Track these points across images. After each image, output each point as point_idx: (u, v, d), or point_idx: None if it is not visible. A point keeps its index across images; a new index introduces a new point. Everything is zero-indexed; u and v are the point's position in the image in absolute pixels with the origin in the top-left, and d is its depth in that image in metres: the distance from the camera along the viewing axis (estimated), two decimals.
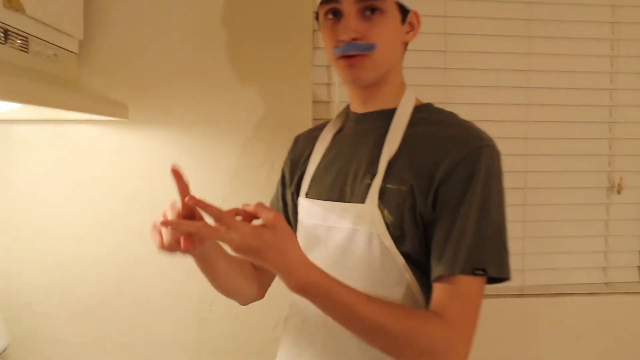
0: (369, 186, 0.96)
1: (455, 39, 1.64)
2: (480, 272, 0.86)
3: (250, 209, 0.82)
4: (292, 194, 1.15)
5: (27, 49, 1.12)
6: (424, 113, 1.02)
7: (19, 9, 1.04)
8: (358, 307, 0.81)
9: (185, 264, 1.52)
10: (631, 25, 1.70)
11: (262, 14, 1.52)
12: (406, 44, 1.05)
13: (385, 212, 0.93)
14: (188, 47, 1.51)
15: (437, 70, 1.64)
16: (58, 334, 1.50)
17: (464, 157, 0.90)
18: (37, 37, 1.16)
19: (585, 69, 1.70)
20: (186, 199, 0.79)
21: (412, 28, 1.03)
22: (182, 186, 0.84)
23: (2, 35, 1.02)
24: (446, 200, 0.90)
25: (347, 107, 1.14)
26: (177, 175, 0.83)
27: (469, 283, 0.87)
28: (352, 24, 0.94)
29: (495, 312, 1.64)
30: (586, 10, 1.68)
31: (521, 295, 1.69)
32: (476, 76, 1.66)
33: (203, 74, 1.51)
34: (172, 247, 0.84)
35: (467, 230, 0.88)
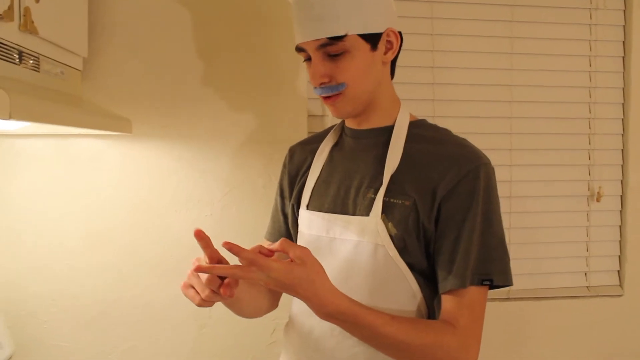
0: (372, 200, 1.00)
1: (442, 55, 1.72)
2: (488, 282, 0.94)
3: (276, 247, 0.87)
4: (293, 206, 1.17)
5: (39, 68, 1.18)
6: (419, 129, 1.06)
7: (33, 31, 1.09)
8: (382, 328, 0.88)
9: (184, 273, 1.57)
10: (608, 43, 1.80)
11: (258, 33, 1.59)
12: (393, 61, 1.07)
13: (390, 224, 0.98)
14: (188, 64, 1.57)
15: (426, 86, 1.72)
16: (62, 342, 1.54)
17: (464, 175, 0.96)
18: (47, 57, 1.22)
19: (565, 83, 1.78)
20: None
21: (391, 46, 1.03)
22: (206, 243, 0.88)
23: (16, 56, 1.07)
24: (450, 216, 0.96)
25: (343, 121, 1.17)
26: (200, 235, 0.87)
27: (476, 292, 0.94)
28: (319, 70, 0.98)
29: None
30: (565, 29, 1.77)
31: (507, 299, 1.76)
32: (463, 91, 1.74)
33: (202, 90, 1.57)
34: (210, 297, 0.87)
35: (473, 244, 0.95)
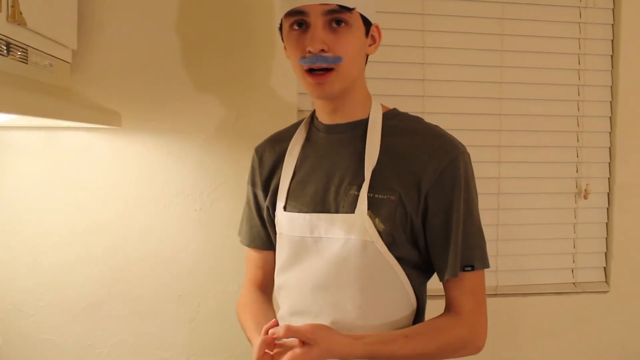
0: (356, 197, 0.99)
1: (432, 52, 1.73)
2: (469, 269, 1.00)
3: (281, 334, 0.90)
4: (267, 208, 1.15)
5: (27, 60, 1.17)
6: (393, 120, 1.06)
7: (21, 22, 1.08)
8: (401, 351, 0.94)
9: (173, 267, 1.58)
10: (596, 41, 1.81)
11: (249, 28, 1.58)
12: (367, 56, 1.07)
13: (377, 220, 0.98)
14: (178, 58, 1.56)
15: (416, 82, 1.72)
16: (49, 336, 1.54)
17: (445, 166, 0.99)
18: (35, 49, 1.21)
19: (554, 81, 1.80)
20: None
21: (374, 41, 1.05)
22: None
23: (4, 48, 1.07)
24: (437, 208, 0.99)
25: (311, 116, 1.15)
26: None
27: (475, 277, 1.01)
28: (320, 36, 0.95)
29: None
30: (555, 27, 1.79)
31: (495, 295, 1.77)
32: (453, 87, 1.74)
33: (192, 84, 1.57)
34: None
35: (459, 233, 0.99)
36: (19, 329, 1.52)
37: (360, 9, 0.97)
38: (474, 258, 1.01)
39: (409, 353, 0.94)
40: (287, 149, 1.13)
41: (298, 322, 1.06)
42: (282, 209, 1.09)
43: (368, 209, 0.98)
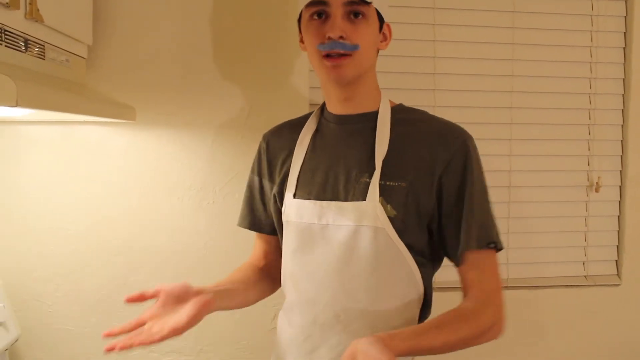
0: (367, 184, 1.03)
1: (443, 45, 1.73)
2: (493, 245, 1.03)
3: None
4: (275, 196, 1.17)
5: (44, 56, 1.20)
6: (401, 114, 1.11)
7: (38, 19, 1.11)
8: (435, 342, 0.95)
9: (186, 259, 1.60)
10: (609, 33, 1.80)
11: (261, 22, 1.60)
12: (378, 51, 1.12)
13: (389, 207, 1.01)
14: (191, 53, 1.58)
15: (427, 75, 1.73)
16: (66, 325, 1.58)
17: (456, 149, 1.04)
18: (52, 45, 1.24)
19: (566, 74, 1.79)
20: None
21: (385, 38, 1.11)
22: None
23: (22, 44, 1.09)
24: (451, 190, 1.03)
25: (321, 108, 1.19)
26: None
27: (491, 257, 1.04)
28: (339, 24, 1.01)
29: None
30: (566, 19, 1.78)
31: (506, 287, 1.75)
32: (463, 81, 1.74)
33: (205, 78, 1.59)
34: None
35: (475, 211, 1.02)
36: (37, 319, 1.56)
37: (377, 4, 1.04)
38: (494, 235, 1.04)
39: (441, 344, 0.95)
40: (296, 139, 1.16)
41: (308, 310, 1.09)
42: (292, 197, 1.11)
43: (380, 196, 1.02)
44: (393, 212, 1.01)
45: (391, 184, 1.03)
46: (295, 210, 1.10)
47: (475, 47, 1.74)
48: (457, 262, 1.05)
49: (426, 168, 1.03)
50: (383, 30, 1.10)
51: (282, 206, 1.14)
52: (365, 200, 1.02)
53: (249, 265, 1.27)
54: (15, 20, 1.04)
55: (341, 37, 1.01)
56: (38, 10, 1.10)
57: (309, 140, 1.15)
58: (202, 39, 1.58)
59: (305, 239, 1.08)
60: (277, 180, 1.17)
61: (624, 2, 1.80)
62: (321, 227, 1.06)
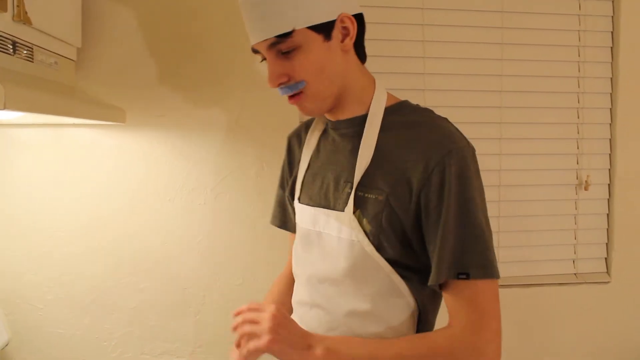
0: (349, 194, 0.97)
1: (432, 45, 1.74)
2: (463, 277, 0.88)
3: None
4: (288, 198, 1.19)
5: (32, 58, 1.19)
6: (396, 115, 1.00)
7: (26, 21, 1.11)
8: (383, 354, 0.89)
9: (178, 260, 1.60)
10: (596, 33, 1.82)
11: None
12: (359, 44, 1.00)
13: (365, 221, 0.95)
14: (181, 54, 1.58)
15: (417, 75, 1.73)
16: (57, 329, 1.57)
17: (436, 163, 0.90)
18: (41, 47, 1.23)
19: (555, 73, 1.81)
20: None
21: (348, 32, 0.95)
22: None
23: (10, 47, 1.09)
24: (428, 208, 0.91)
25: None
26: None
27: (472, 286, 0.89)
28: (275, 70, 0.94)
29: None
30: (554, 19, 1.79)
31: None
32: (453, 81, 1.75)
33: (195, 79, 1.59)
34: None
35: (449, 236, 0.89)
36: (28, 322, 1.55)
37: (302, 23, 0.91)
38: (469, 265, 0.88)
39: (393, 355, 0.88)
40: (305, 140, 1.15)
41: (299, 311, 1.09)
42: (298, 200, 1.11)
43: (358, 208, 0.95)
44: (368, 227, 0.94)
45: (368, 196, 0.95)
46: (299, 215, 1.10)
47: (464, 47, 1.75)
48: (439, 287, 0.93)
49: (405, 182, 0.92)
50: (340, 24, 0.94)
51: (293, 209, 1.15)
52: (343, 211, 0.97)
53: (282, 274, 1.26)
54: (3, 22, 1.04)
55: (282, 83, 0.95)
56: (26, 12, 1.10)
57: (315, 142, 1.12)
58: (193, 39, 1.58)
59: (305, 243, 1.07)
60: (290, 182, 1.18)
61: (611, 2, 1.82)
62: (317, 233, 1.04)
